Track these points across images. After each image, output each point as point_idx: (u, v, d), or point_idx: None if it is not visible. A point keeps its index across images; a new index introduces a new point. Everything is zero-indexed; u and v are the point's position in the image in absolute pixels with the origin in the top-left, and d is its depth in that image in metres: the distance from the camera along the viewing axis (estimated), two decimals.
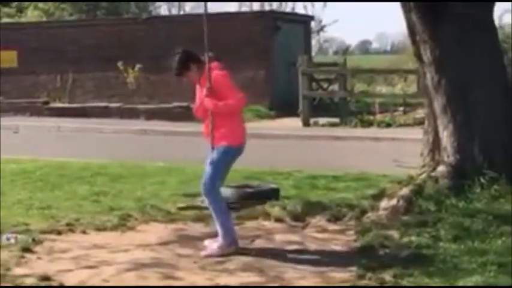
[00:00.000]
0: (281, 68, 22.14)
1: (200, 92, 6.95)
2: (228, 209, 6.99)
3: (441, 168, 8.32)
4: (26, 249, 6.95)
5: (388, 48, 68.75)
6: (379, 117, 19.04)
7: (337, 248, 7.12)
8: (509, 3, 19.57)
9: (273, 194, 9.12)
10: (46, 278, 6.06)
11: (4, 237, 7.32)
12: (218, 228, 6.83)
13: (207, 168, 6.79)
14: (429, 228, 7.30)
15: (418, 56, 8.83)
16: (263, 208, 8.44)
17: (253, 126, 19.35)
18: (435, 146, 8.64)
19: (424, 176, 8.42)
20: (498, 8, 32.61)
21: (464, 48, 8.45)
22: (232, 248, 6.77)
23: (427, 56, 8.61)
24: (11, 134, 17.49)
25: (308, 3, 32.29)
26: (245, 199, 8.80)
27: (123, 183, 10.39)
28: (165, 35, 22.10)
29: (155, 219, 8.22)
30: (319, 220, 8.06)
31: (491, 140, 8.33)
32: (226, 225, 6.81)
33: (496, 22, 9.61)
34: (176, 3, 42.12)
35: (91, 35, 23.34)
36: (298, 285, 5.96)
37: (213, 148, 6.83)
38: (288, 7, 33.62)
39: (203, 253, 6.76)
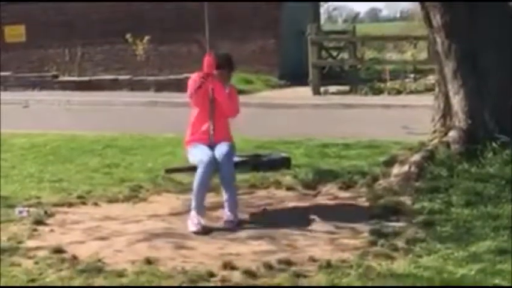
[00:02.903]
0: (290, 37, 22.02)
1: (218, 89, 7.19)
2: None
3: (452, 134, 8.28)
4: (39, 222, 6.97)
5: (398, 15, 68.35)
6: (389, 84, 18.95)
7: (349, 215, 7.11)
8: None
9: (284, 163, 9.09)
10: (59, 249, 6.08)
11: (16, 210, 7.34)
12: (230, 200, 6.90)
13: (230, 163, 6.97)
14: (441, 194, 7.28)
15: (428, 21, 8.74)
16: (274, 177, 8.43)
17: (263, 95, 19.36)
18: (446, 111, 8.59)
19: (435, 141, 8.38)
20: None
21: (475, 12, 8.36)
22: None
23: (436, 21, 8.52)
24: (20, 109, 17.51)
25: None
26: (256, 168, 8.77)
27: (133, 155, 10.39)
28: (173, 7, 22.01)
29: (167, 190, 8.22)
30: (330, 188, 8.05)
31: (503, 104, 8.26)
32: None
33: None
34: None
35: (99, 7, 23.23)
36: (310, 253, 5.95)
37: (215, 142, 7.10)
38: None
39: (223, 224, 6.78)
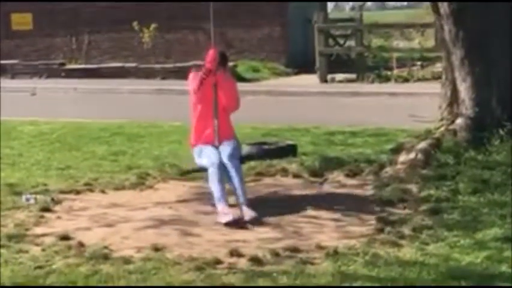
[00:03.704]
0: (297, 24, 21.97)
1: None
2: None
3: (459, 121, 8.26)
4: (46, 209, 6.99)
5: (405, 3, 68.09)
6: (396, 72, 18.91)
7: (355, 202, 7.11)
8: None
9: (290, 151, 9.11)
10: (66, 236, 6.10)
11: (24, 197, 7.36)
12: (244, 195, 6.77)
13: (236, 161, 6.90)
14: (448, 182, 7.27)
15: (436, 9, 8.72)
16: (281, 164, 8.43)
17: (270, 83, 19.32)
18: (453, 99, 8.57)
19: (442, 129, 8.37)
20: None
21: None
22: None
23: (444, 8, 8.50)
24: (28, 96, 17.53)
25: None
26: (263, 156, 8.78)
27: (140, 143, 10.41)
28: None
29: (173, 178, 8.23)
30: (337, 175, 8.04)
31: (510, 91, 8.24)
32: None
33: None
34: None
35: None
36: (316, 240, 5.95)
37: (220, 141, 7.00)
38: None
39: (247, 218, 6.52)
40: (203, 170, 7.11)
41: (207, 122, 7.08)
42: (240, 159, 7.09)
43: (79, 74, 21.28)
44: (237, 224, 6.39)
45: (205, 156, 6.94)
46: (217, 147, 6.98)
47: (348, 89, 17.44)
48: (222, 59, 7.11)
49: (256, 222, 6.46)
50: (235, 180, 6.78)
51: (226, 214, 6.50)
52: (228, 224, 6.37)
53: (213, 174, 6.78)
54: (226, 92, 7.07)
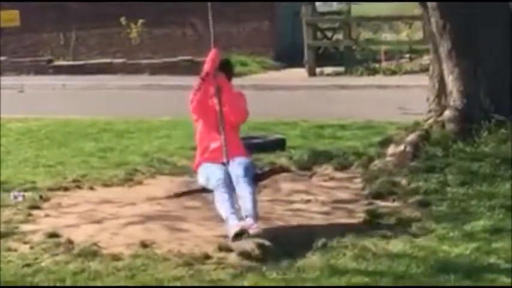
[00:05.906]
0: (285, 18, 21.95)
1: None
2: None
3: (447, 113, 8.26)
4: (34, 207, 6.97)
5: None
6: (384, 65, 18.93)
7: (345, 195, 7.12)
8: None
9: (279, 144, 9.10)
10: (54, 234, 6.07)
11: (12, 195, 7.32)
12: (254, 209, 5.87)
13: (250, 181, 5.94)
14: (437, 174, 7.27)
15: (422, 1, 8.72)
16: (270, 158, 8.43)
17: (258, 77, 19.29)
18: (441, 91, 8.57)
19: (430, 121, 8.37)
20: None
21: None
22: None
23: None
24: (16, 93, 17.45)
25: None
26: (252, 150, 8.76)
27: (129, 139, 10.38)
28: None
29: (162, 173, 8.22)
30: (325, 169, 8.05)
31: (498, 83, 8.24)
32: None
33: None
34: None
35: None
36: (305, 234, 5.94)
37: (228, 158, 6.09)
38: None
39: (251, 231, 5.63)
40: (197, 191, 6.40)
41: (211, 137, 6.21)
42: (254, 179, 6.08)
43: (67, 70, 21.20)
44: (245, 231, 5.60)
45: (210, 175, 6.00)
46: (225, 165, 6.05)
47: (336, 82, 17.43)
48: (225, 67, 6.38)
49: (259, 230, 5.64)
50: (247, 201, 5.81)
51: (234, 226, 5.63)
52: (236, 236, 5.57)
53: (219, 194, 5.85)
54: (232, 100, 6.23)
